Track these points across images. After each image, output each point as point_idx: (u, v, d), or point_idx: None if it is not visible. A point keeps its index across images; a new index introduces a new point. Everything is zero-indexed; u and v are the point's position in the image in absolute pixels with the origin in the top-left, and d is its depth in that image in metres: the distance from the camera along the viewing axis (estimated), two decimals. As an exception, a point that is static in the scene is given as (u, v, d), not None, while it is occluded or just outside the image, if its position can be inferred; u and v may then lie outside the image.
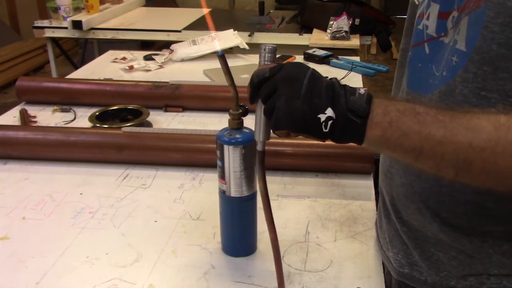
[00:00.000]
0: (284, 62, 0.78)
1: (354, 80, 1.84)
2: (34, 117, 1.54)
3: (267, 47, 0.76)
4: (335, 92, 0.70)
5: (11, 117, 1.55)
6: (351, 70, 1.90)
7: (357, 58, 2.06)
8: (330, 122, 0.69)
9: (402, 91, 0.90)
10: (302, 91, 0.69)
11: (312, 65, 2.01)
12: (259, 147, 0.78)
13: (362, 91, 0.70)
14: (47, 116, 1.56)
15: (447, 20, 0.77)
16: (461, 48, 0.72)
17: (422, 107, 0.67)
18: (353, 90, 0.70)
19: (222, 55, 0.81)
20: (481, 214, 0.76)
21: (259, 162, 0.79)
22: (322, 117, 0.69)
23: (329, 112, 0.68)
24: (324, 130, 0.69)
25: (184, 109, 1.59)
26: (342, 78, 1.83)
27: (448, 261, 0.81)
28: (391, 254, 0.89)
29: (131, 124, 1.39)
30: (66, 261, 0.93)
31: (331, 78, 0.72)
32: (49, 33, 3.03)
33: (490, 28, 0.68)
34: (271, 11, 3.59)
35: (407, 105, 0.68)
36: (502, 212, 0.75)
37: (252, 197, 0.91)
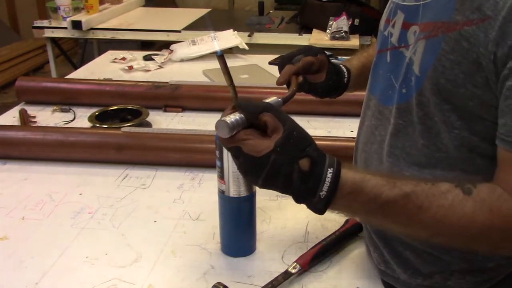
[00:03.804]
0: (241, 140, 0.68)
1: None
2: (34, 117, 1.54)
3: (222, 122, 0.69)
4: (291, 192, 0.68)
5: (11, 117, 1.55)
6: (350, 70, 1.89)
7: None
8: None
9: (366, 96, 0.92)
10: (258, 183, 0.69)
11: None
12: None
13: (324, 191, 0.67)
14: (46, 116, 1.56)
15: (408, 31, 0.78)
16: (416, 72, 0.73)
17: (390, 195, 0.67)
18: (315, 189, 0.67)
19: (221, 55, 0.81)
20: None
21: None
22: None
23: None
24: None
25: (184, 109, 1.59)
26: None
27: (414, 259, 0.83)
28: (371, 252, 0.91)
29: (131, 124, 1.39)
30: (65, 261, 0.93)
31: (292, 171, 0.66)
32: (48, 33, 3.03)
33: (442, 62, 0.69)
34: (271, 11, 3.59)
35: (372, 198, 0.68)
36: None
37: (251, 197, 0.91)
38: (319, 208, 0.68)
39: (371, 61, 0.94)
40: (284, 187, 0.68)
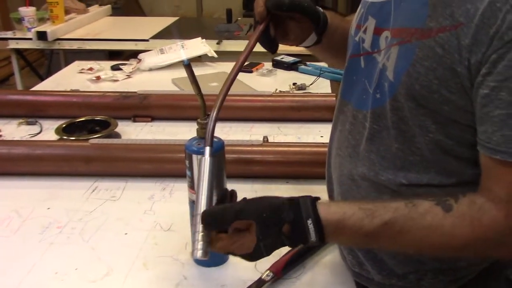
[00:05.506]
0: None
1: (323, 86, 1.85)
2: (-1, 131, 1.50)
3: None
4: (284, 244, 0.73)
5: (-25, 131, 1.51)
6: (319, 76, 1.91)
7: (325, 64, 2.07)
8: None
9: (338, 101, 0.93)
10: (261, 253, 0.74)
11: (280, 72, 2.02)
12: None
13: (312, 238, 0.71)
14: (12, 130, 1.52)
15: (379, 37, 0.79)
16: (390, 77, 0.74)
17: (371, 227, 0.71)
18: (306, 239, 0.71)
19: (188, 65, 0.81)
20: None
21: None
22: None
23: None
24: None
25: (153, 118, 1.58)
26: (311, 84, 1.85)
27: (389, 260, 0.84)
28: (345, 254, 0.91)
29: (99, 135, 1.38)
30: (33, 279, 0.91)
31: (282, 240, 0.72)
32: (13, 45, 2.97)
33: (416, 68, 0.70)
34: (239, 18, 3.59)
35: (354, 232, 0.72)
36: None
37: (223, 206, 0.90)
38: (317, 246, 0.76)
39: (345, 26, 0.95)
40: (281, 246, 0.74)
